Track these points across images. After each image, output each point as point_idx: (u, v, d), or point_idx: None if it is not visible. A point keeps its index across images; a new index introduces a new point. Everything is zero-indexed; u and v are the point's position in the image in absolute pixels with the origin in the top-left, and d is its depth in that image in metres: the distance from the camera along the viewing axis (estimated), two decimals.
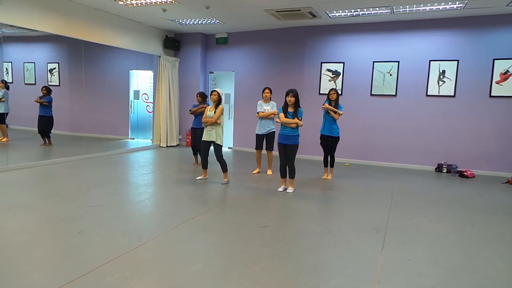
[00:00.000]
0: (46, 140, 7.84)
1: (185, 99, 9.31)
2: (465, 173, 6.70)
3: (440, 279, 2.69)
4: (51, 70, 8.63)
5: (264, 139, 6.24)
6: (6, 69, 8.18)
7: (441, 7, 6.25)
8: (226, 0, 6.30)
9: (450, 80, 7.07)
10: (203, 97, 6.63)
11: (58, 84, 8.64)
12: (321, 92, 8.02)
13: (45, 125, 7.75)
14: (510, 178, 6.32)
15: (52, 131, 7.90)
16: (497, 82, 6.78)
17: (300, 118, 4.92)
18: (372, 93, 7.67)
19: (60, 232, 3.34)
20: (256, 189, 5.28)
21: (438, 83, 7.16)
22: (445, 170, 7.09)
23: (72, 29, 6.69)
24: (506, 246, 3.41)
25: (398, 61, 7.41)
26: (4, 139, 7.54)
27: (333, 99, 5.88)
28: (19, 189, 4.86)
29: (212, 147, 5.49)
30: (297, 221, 3.95)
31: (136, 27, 8.21)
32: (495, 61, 6.75)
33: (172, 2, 6.47)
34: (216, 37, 9.21)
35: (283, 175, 5.17)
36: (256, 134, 6.25)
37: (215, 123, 5.34)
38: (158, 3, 6.60)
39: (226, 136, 9.34)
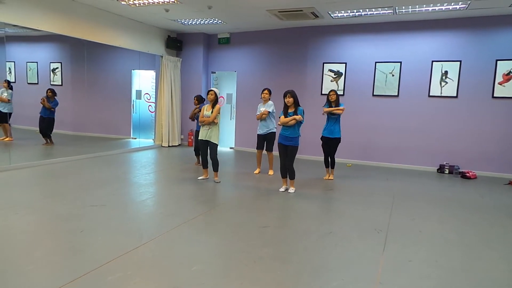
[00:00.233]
0: (48, 139, 7.87)
1: (187, 99, 9.31)
2: (467, 174, 6.68)
3: (442, 280, 2.68)
4: (53, 70, 8.66)
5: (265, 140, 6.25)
6: (9, 68, 8.20)
7: (443, 8, 6.24)
8: (228, 0, 6.30)
9: (453, 80, 7.05)
10: (200, 100, 6.66)
11: (60, 83, 8.67)
12: (323, 93, 8.00)
13: (46, 126, 7.80)
14: None
15: (54, 130, 7.93)
16: (500, 83, 6.75)
17: (302, 116, 4.89)
18: (374, 94, 7.66)
19: (62, 231, 3.35)
20: (257, 189, 5.29)
21: (441, 83, 7.14)
22: (447, 171, 7.07)
23: (74, 29, 6.71)
24: (507, 247, 3.39)
25: (401, 62, 7.39)
26: (7, 139, 7.57)
27: (332, 100, 5.87)
28: (21, 188, 4.87)
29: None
30: (298, 221, 3.94)
31: (139, 27, 8.22)
32: (498, 62, 6.72)
33: (174, 2, 6.47)
34: (218, 37, 9.22)
35: (283, 175, 5.17)
36: (257, 134, 6.26)
37: (212, 123, 5.38)
38: (160, 3, 6.61)
39: (228, 136, 9.37)
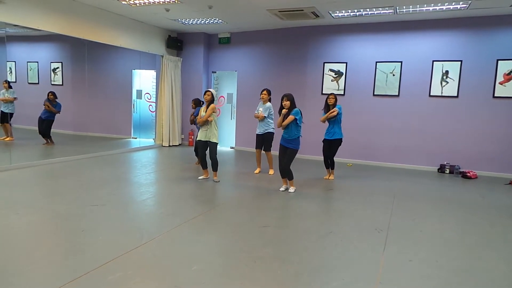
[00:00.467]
0: (48, 139, 7.89)
1: (188, 99, 9.31)
2: (468, 174, 6.68)
3: (442, 280, 2.68)
4: (54, 70, 8.67)
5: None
6: (10, 68, 8.21)
7: (444, 8, 6.23)
8: (229, 0, 6.30)
9: (453, 80, 7.04)
10: (197, 103, 6.68)
11: (61, 83, 8.68)
12: (323, 92, 8.00)
13: (46, 127, 7.83)
14: None
15: (55, 130, 7.95)
16: (501, 83, 6.75)
17: (294, 116, 4.87)
18: (375, 93, 7.65)
19: (62, 231, 3.35)
20: (258, 188, 5.29)
21: (441, 83, 7.14)
22: (447, 171, 7.06)
23: (75, 28, 6.72)
24: (508, 247, 3.39)
25: (401, 62, 7.39)
26: (8, 138, 7.58)
27: (331, 103, 5.88)
28: (22, 188, 4.88)
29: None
30: (298, 221, 3.94)
31: (139, 26, 8.22)
32: (499, 61, 6.71)
33: (175, 1, 6.47)
34: (219, 37, 9.21)
35: (283, 176, 5.17)
36: (256, 134, 6.27)
37: (208, 122, 5.40)
38: (161, 2, 6.61)
39: (228, 136, 9.37)
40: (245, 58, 8.99)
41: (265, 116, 6.04)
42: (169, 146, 9.20)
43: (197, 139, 5.61)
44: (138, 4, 6.78)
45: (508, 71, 6.68)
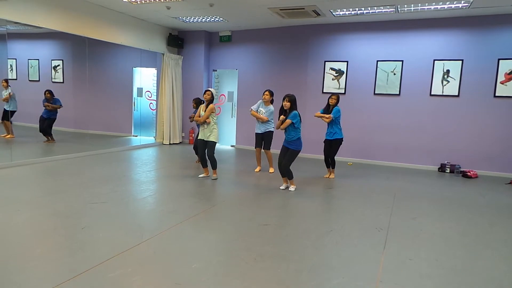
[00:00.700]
0: (49, 137, 7.90)
1: (188, 97, 9.30)
2: (468, 173, 6.67)
3: (442, 279, 2.68)
4: (55, 67, 8.66)
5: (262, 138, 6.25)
6: (11, 65, 8.21)
7: (446, 6, 6.22)
8: None
9: (454, 79, 7.04)
10: (198, 103, 6.67)
11: (62, 81, 8.67)
12: (324, 91, 8.00)
13: (47, 126, 7.84)
14: None
15: (55, 128, 7.96)
16: (502, 82, 6.74)
17: (291, 120, 4.87)
18: (376, 92, 7.65)
19: (63, 228, 3.36)
20: (258, 187, 5.29)
21: (442, 82, 7.13)
22: (448, 170, 7.06)
23: (76, 26, 6.71)
24: (508, 247, 3.39)
25: (402, 60, 7.38)
26: (9, 136, 7.58)
27: (332, 103, 5.88)
28: (22, 185, 4.89)
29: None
30: (298, 219, 3.95)
31: (140, 24, 8.22)
32: (500, 61, 6.70)
33: None
34: (220, 35, 9.20)
35: (283, 175, 5.17)
36: (255, 133, 6.26)
37: (206, 122, 5.42)
38: (162, 0, 6.60)
39: (229, 134, 9.38)
40: (246, 56, 8.98)
41: (268, 120, 6.06)
42: (170, 144, 9.21)
43: (198, 137, 5.63)
44: (139, 2, 6.77)
45: (509, 71, 6.66)
